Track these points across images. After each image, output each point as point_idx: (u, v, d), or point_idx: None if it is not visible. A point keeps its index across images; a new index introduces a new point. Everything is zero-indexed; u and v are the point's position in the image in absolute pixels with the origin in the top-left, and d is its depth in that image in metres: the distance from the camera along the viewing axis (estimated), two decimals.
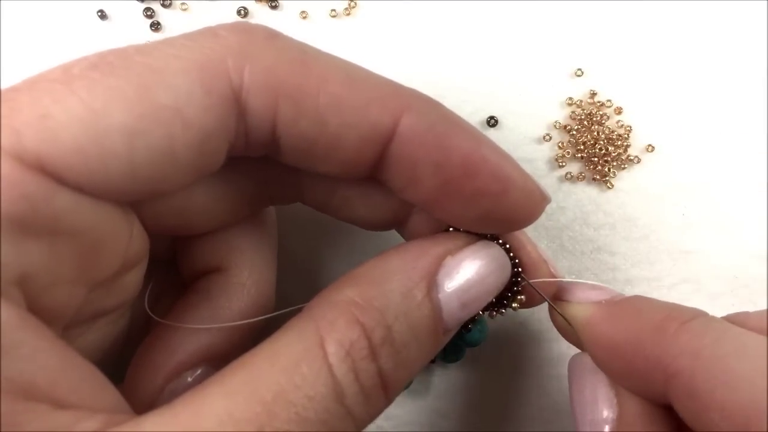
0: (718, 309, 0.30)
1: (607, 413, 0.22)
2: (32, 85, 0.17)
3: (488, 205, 0.21)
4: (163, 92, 0.17)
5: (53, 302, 0.18)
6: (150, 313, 0.23)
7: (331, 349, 0.18)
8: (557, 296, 0.25)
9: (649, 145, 0.30)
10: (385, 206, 0.23)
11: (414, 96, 0.20)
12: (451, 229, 0.23)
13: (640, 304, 0.23)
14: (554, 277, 0.24)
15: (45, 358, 0.16)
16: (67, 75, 0.17)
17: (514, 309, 0.23)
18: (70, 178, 0.17)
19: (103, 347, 0.23)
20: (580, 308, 0.24)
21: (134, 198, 0.19)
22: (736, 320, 0.22)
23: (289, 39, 0.20)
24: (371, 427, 0.30)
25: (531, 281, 0.23)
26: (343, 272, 0.30)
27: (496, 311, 0.23)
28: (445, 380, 0.30)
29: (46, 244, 0.17)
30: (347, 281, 0.20)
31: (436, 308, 0.20)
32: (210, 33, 0.19)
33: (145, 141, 0.17)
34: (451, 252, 0.21)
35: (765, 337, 0.20)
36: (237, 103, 0.19)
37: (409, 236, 0.24)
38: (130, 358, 0.24)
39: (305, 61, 0.19)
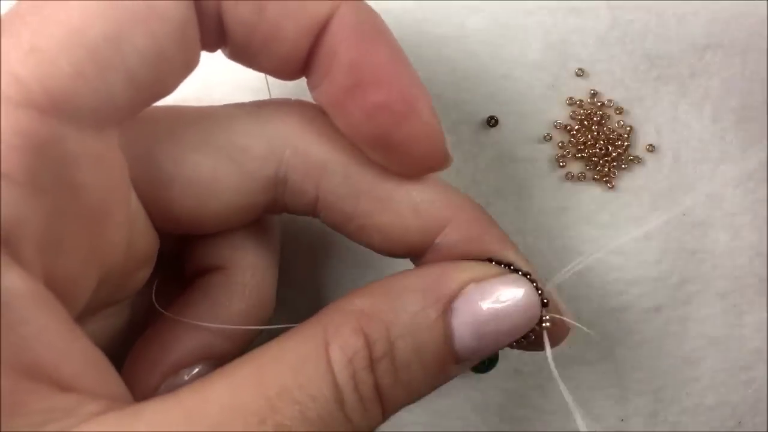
0: (720, 309, 0.30)
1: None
2: (7, 25, 0.17)
3: (388, 123, 0.20)
4: None
5: (65, 278, 0.18)
6: (159, 308, 0.23)
7: (335, 355, 0.18)
8: None
9: (650, 145, 0.30)
10: (403, 240, 0.23)
11: None
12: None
13: None
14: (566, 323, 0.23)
15: (53, 337, 0.16)
16: (34, 5, 0.17)
17: (531, 339, 0.22)
18: (80, 106, 0.17)
19: (105, 339, 0.23)
20: None
21: (136, 109, 0.19)
22: None
23: None
24: None
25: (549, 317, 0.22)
26: (348, 283, 0.30)
27: (516, 344, 0.21)
28: None
29: (52, 202, 0.17)
30: (362, 291, 0.20)
31: (447, 334, 0.19)
32: None
33: (132, 44, 0.17)
34: (476, 279, 0.20)
35: None
36: None
37: None
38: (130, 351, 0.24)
39: None
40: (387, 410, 0.19)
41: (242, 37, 0.20)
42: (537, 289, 0.21)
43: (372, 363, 0.18)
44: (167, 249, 0.25)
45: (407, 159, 0.21)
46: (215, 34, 0.20)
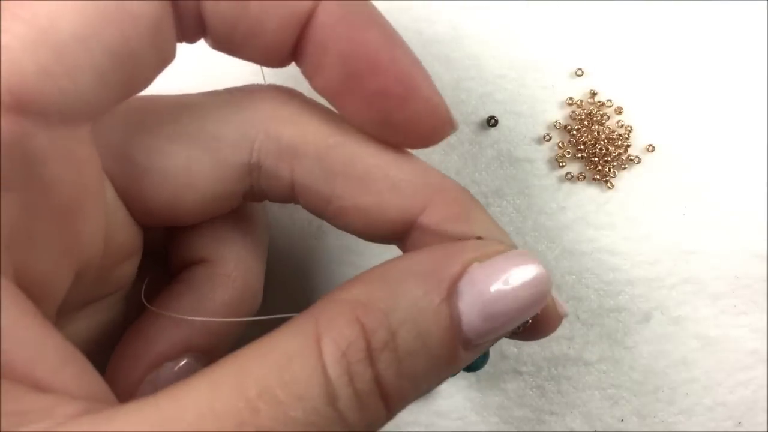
0: (719, 309, 0.30)
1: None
2: None
3: (389, 107, 0.20)
4: None
5: (37, 274, 0.18)
6: (146, 304, 0.23)
7: (327, 348, 0.17)
8: None
9: (650, 145, 0.30)
10: (383, 220, 0.22)
11: None
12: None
13: None
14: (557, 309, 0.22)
15: (26, 337, 0.16)
16: (3, 5, 0.17)
17: (519, 330, 0.20)
18: (45, 104, 0.17)
19: (93, 336, 0.23)
20: None
21: (106, 108, 0.19)
22: None
23: None
24: None
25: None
26: (338, 273, 0.30)
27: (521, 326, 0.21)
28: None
29: (21, 198, 0.17)
30: (358, 279, 0.19)
31: (454, 317, 0.18)
32: None
33: (101, 44, 0.17)
34: (480, 258, 0.19)
35: None
36: None
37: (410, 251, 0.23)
38: None
39: None
40: (392, 405, 0.18)
41: (224, 32, 0.20)
42: None
43: (371, 354, 0.17)
44: (159, 244, 0.25)
45: (415, 135, 0.21)
46: (194, 28, 0.20)
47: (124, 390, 0.22)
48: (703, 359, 0.30)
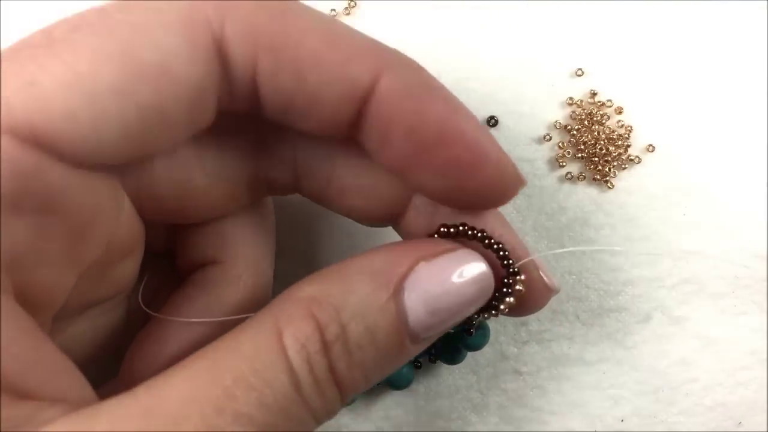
0: (719, 310, 0.30)
1: None
2: (15, 53, 0.17)
3: (460, 176, 0.20)
4: (148, 49, 0.17)
5: (41, 286, 0.18)
6: (143, 307, 0.23)
7: (288, 341, 0.18)
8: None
9: (650, 145, 0.30)
10: (381, 199, 0.23)
11: (395, 56, 0.20)
12: (442, 228, 0.22)
13: None
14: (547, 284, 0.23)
15: (18, 349, 0.16)
16: (49, 39, 0.17)
17: (503, 311, 0.22)
18: (63, 147, 0.17)
19: (95, 338, 0.23)
20: None
21: (126, 161, 0.19)
22: None
23: None
24: (371, 427, 0.30)
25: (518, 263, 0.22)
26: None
27: (488, 314, 0.22)
28: (445, 380, 0.30)
29: (33, 222, 0.17)
30: (313, 278, 0.20)
31: (400, 312, 0.19)
32: None
33: (135, 100, 0.17)
34: (426, 258, 0.20)
35: None
36: (219, 55, 0.18)
37: (404, 233, 0.24)
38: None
39: (285, 13, 0.19)
40: (345, 392, 0.19)
41: (279, 105, 0.20)
42: (504, 258, 0.21)
43: (325, 346, 0.18)
44: (160, 247, 0.25)
45: (487, 198, 0.21)
46: (246, 98, 0.20)
47: None
48: (703, 359, 0.30)
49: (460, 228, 0.22)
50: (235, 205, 0.24)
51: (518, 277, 0.22)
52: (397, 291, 0.19)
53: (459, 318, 0.20)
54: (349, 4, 0.30)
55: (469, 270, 0.20)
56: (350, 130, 0.20)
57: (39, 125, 0.16)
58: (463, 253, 0.21)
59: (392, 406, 0.30)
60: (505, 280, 0.22)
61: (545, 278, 0.22)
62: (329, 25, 0.19)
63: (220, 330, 0.23)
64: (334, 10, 0.30)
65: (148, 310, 0.23)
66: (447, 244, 0.21)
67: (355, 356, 0.19)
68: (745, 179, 0.30)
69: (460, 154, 0.20)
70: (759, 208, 0.30)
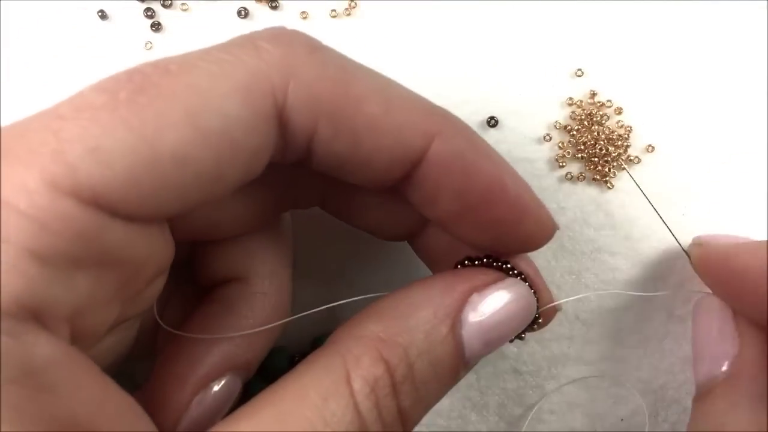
0: None
1: (728, 348, 0.23)
2: (78, 112, 0.17)
3: (503, 231, 0.21)
4: (212, 117, 0.17)
5: (92, 326, 0.18)
6: (163, 325, 0.23)
7: (357, 385, 0.18)
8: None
9: (649, 145, 0.30)
10: (402, 217, 0.23)
11: (446, 119, 0.21)
12: (466, 261, 0.23)
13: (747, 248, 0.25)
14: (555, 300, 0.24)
15: (86, 394, 0.17)
16: (114, 101, 0.17)
17: (533, 331, 0.24)
18: (123, 210, 0.17)
19: (117, 352, 0.23)
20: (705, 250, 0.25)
21: (180, 214, 0.19)
22: None
23: (330, 51, 0.20)
24: None
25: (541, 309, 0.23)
26: (355, 279, 0.29)
27: (514, 338, 0.23)
28: None
29: (92, 275, 0.17)
30: (372, 315, 0.20)
31: (458, 345, 0.20)
32: (251, 45, 0.19)
33: (196, 167, 0.17)
34: (478, 289, 0.21)
35: None
36: (280, 122, 0.19)
37: (421, 249, 0.25)
38: (138, 361, 0.24)
39: (345, 80, 0.19)
40: (409, 428, 0.20)
41: (332, 165, 0.20)
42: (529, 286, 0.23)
43: (394, 388, 0.19)
44: (176, 261, 0.25)
45: (524, 246, 0.22)
46: (298, 156, 0.20)
47: (172, 413, 0.23)
48: None
49: (484, 260, 0.23)
50: (261, 222, 0.24)
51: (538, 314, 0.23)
52: (455, 324, 0.20)
53: (504, 342, 0.22)
54: (349, 4, 0.30)
55: (517, 298, 0.22)
56: (397, 186, 0.21)
57: (102, 190, 0.16)
58: (511, 282, 0.22)
59: None
60: None
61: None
62: (386, 89, 0.20)
63: (249, 346, 0.24)
64: (334, 10, 0.30)
65: (169, 328, 0.23)
66: (494, 273, 0.22)
67: (421, 392, 0.19)
68: (744, 179, 0.30)
69: (504, 213, 0.21)
70: (759, 208, 0.30)
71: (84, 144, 0.16)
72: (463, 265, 0.23)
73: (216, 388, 0.23)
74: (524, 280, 0.22)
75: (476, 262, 0.23)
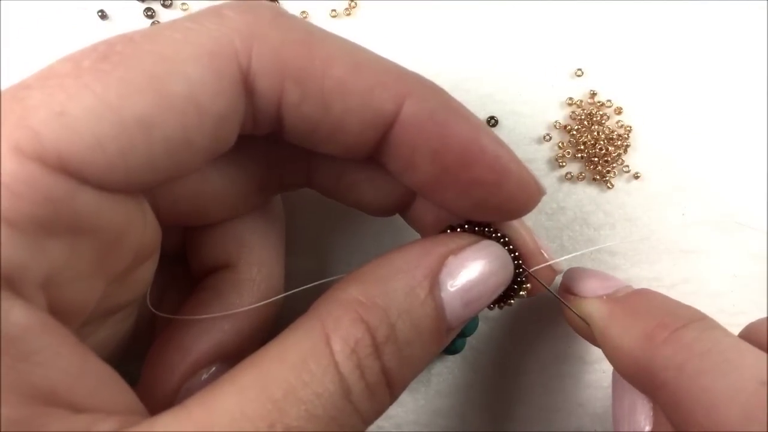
0: (717, 308, 0.30)
1: (642, 425, 0.22)
2: (43, 81, 0.17)
3: (484, 194, 0.21)
4: (176, 81, 0.17)
5: (72, 300, 0.18)
6: (153, 310, 0.23)
7: (337, 346, 0.18)
8: (565, 290, 0.25)
9: (649, 146, 0.30)
10: (390, 191, 0.23)
11: (417, 81, 0.20)
12: (449, 230, 0.23)
13: (640, 304, 0.23)
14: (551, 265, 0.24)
15: (64, 363, 0.17)
16: (78, 69, 0.17)
17: (522, 297, 0.24)
18: (91, 175, 0.17)
19: (113, 344, 0.23)
20: (589, 305, 0.24)
21: (151, 186, 0.19)
22: (751, 329, 0.22)
23: (294, 18, 0.20)
24: (371, 427, 0.30)
25: (532, 270, 0.23)
26: (348, 258, 0.29)
27: (502, 304, 0.24)
28: (445, 379, 0.30)
29: (67, 243, 0.17)
30: (352, 280, 0.20)
31: (439, 307, 0.20)
32: (215, 13, 0.19)
33: (162, 131, 0.17)
34: (454, 252, 0.21)
35: (759, 352, 0.20)
36: (245, 86, 0.19)
37: (412, 221, 0.25)
38: (136, 354, 0.24)
39: (310, 43, 0.19)
40: (395, 391, 0.20)
41: (303, 132, 0.20)
42: (511, 252, 0.23)
43: (376, 348, 0.19)
44: (168, 250, 0.25)
45: (509, 210, 0.22)
46: (269, 124, 0.20)
47: (162, 400, 0.23)
48: None
49: (466, 226, 0.23)
50: (249, 205, 0.24)
51: (524, 277, 0.23)
52: (434, 286, 0.20)
53: (485, 305, 0.22)
54: (349, 5, 0.30)
55: (493, 259, 0.22)
56: (373, 153, 0.21)
57: (67, 154, 0.16)
58: (486, 244, 0.22)
59: (392, 405, 0.30)
60: (515, 271, 0.23)
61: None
62: (353, 52, 0.20)
63: (238, 335, 0.24)
64: (334, 10, 0.30)
65: (159, 313, 0.23)
66: (470, 237, 0.22)
67: (405, 353, 0.19)
68: (744, 179, 0.30)
69: (483, 174, 0.20)
70: (758, 208, 0.30)
71: (48, 109, 0.16)
72: (445, 232, 0.23)
73: (205, 376, 0.23)
74: (506, 243, 0.23)
75: (458, 229, 0.23)
